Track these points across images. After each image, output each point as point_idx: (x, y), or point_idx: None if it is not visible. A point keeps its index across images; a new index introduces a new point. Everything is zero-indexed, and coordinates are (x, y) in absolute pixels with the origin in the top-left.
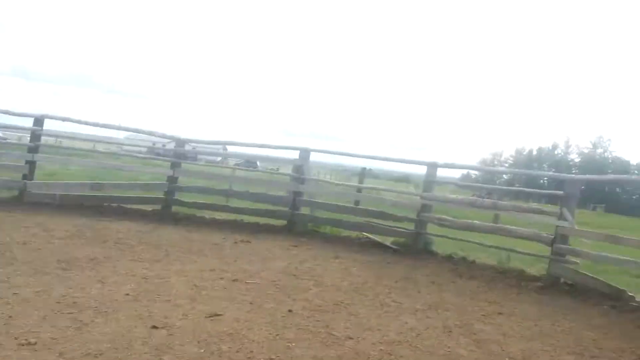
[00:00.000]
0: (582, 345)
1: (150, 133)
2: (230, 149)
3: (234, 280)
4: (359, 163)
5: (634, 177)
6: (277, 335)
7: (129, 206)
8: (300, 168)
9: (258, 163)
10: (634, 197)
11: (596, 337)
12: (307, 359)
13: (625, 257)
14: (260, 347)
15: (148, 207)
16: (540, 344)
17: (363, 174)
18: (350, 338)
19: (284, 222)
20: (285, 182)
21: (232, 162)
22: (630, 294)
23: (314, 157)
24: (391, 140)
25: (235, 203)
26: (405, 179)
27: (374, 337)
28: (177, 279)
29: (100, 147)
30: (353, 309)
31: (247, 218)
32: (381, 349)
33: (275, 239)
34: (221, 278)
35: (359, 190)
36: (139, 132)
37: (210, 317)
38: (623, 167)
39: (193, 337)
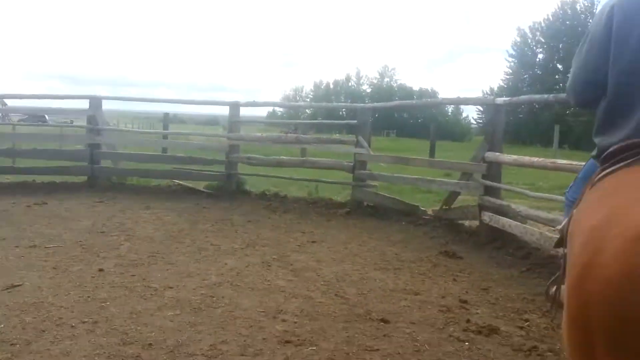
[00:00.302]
0: (386, 260)
1: None
2: (10, 103)
3: (31, 247)
4: (161, 109)
5: (414, 101)
6: (89, 297)
7: None
8: (93, 118)
9: (47, 117)
10: (419, 120)
11: (397, 251)
12: (125, 315)
13: (415, 176)
14: (70, 312)
15: None
16: (351, 264)
17: (167, 119)
18: (170, 287)
19: (84, 178)
20: (80, 135)
21: (15, 118)
22: (422, 208)
23: (109, 106)
24: (193, 82)
25: (23, 163)
26: (214, 121)
27: (194, 283)
28: None
29: None
30: (170, 258)
31: (40, 178)
32: (202, 293)
33: (76, 197)
34: (16, 246)
35: (165, 136)
36: None
37: (6, 289)
38: (407, 94)
39: None
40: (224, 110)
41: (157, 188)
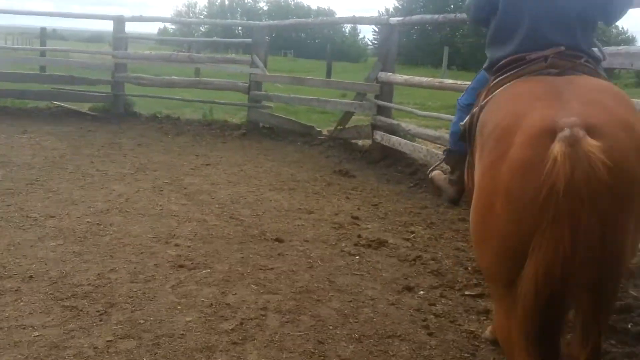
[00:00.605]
0: (281, 181)
1: None
2: None
3: None
4: (37, 23)
5: (310, 20)
6: None
7: None
8: None
9: None
10: (316, 41)
11: (293, 172)
12: (1, 247)
13: (309, 97)
14: None
15: None
16: (246, 186)
17: (45, 35)
18: (52, 217)
19: None
20: None
21: None
22: (317, 129)
23: None
24: None
25: None
26: (98, 38)
27: (78, 211)
28: None
29: None
30: (51, 186)
31: None
32: (88, 221)
33: None
34: None
35: (43, 53)
36: None
37: None
38: (305, 12)
39: None
40: (109, 26)
41: (35, 110)
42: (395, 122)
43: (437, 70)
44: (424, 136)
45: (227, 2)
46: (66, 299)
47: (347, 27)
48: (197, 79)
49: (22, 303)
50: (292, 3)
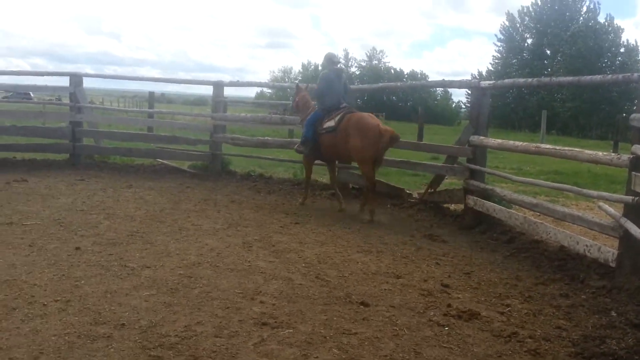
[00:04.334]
0: (369, 243)
1: None
2: None
3: (7, 224)
4: (147, 88)
5: (399, 83)
6: (63, 275)
7: None
8: (74, 96)
9: (32, 94)
10: (408, 104)
11: (381, 234)
12: (99, 294)
13: (400, 159)
14: (43, 290)
15: None
16: (334, 246)
17: (152, 98)
18: (147, 267)
19: (66, 156)
20: (63, 113)
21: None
22: (408, 191)
23: (94, 84)
24: (181, 62)
25: (3, 140)
26: (202, 101)
27: (172, 262)
28: None
29: None
30: (149, 238)
31: (20, 155)
32: (180, 274)
33: (57, 175)
34: None
35: (150, 115)
36: None
37: None
38: (397, 76)
39: None
40: (206, 89)
41: (140, 167)
42: (489, 187)
43: (535, 134)
44: (520, 203)
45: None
46: (153, 348)
47: (440, 90)
48: (289, 139)
49: (112, 349)
50: (384, 67)
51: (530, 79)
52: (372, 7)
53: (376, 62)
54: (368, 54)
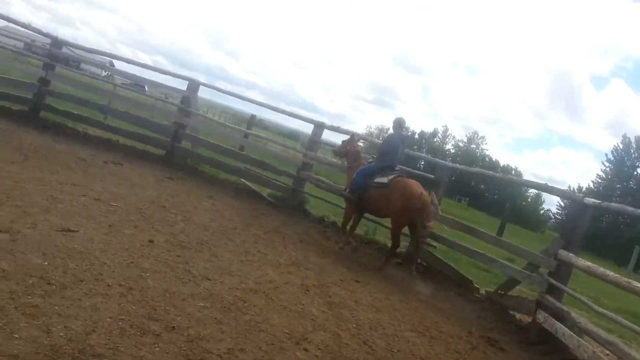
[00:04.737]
0: (424, 325)
1: (24, 26)
2: (118, 65)
3: (96, 200)
4: (250, 109)
5: (499, 174)
6: (132, 262)
7: None
8: (187, 100)
9: (146, 88)
10: (495, 196)
11: (438, 320)
12: (159, 291)
13: (476, 249)
14: (111, 271)
15: (14, 106)
16: (388, 317)
17: (252, 121)
18: (208, 279)
19: (163, 152)
20: (170, 112)
21: (118, 80)
22: (476, 285)
23: (202, 94)
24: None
25: (113, 122)
26: (294, 136)
27: (231, 282)
28: (33, 186)
29: None
30: (217, 251)
31: (123, 140)
32: (236, 295)
33: (150, 167)
34: (83, 195)
35: (246, 135)
36: (14, 23)
37: (62, 231)
38: (491, 165)
39: (38, 248)
40: (308, 128)
41: (224, 181)
42: (565, 308)
43: (620, 268)
44: (594, 335)
45: (417, 136)
46: None
47: (531, 193)
48: None
49: (157, 349)
50: (479, 153)
51: (639, 210)
52: (486, 93)
53: (474, 146)
54: (468, 136)
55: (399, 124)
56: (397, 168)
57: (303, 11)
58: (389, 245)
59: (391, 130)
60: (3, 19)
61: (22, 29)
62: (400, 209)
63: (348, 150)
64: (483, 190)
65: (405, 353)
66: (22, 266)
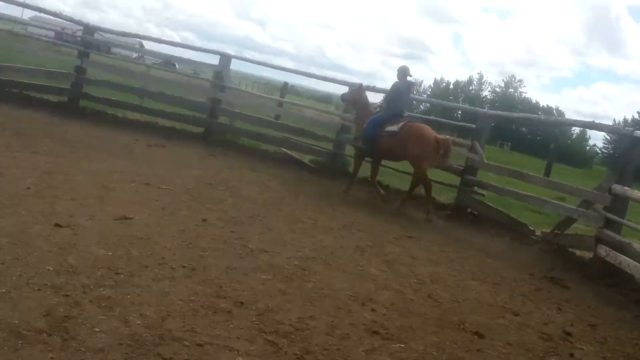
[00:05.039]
0: (485, 272)
1: (55, 15)
2: (147, 46)
3: (146, 184)
4: (282, 77)
5: (541, 117)
6: (190, 243)
7: (32, 94)
8: (220, 75)
9: (177, 65)
10: (538, 138)
11: (498, 266)
12: (221, 268)
13: (527, 193)
14: (173, 254)
15: (53, 98)
16: (447, 268)
17: (285, 89)
18: (265, 251)
19: (202, 129)
20: (204, 88)
21: (149, 61)
22: (530, 228)
23: (234, 66)
24: (314, 57)
25: (149, 104)
26: (327, 99)
27: (288, 252)
28: (83, 177)
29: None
30: (269, 223)
31: (162, 121)
32: (295, 264)
33: (191, 146)
34: (132, 181)
35: (280, 104)
36: (44, 13)
37: (119, 219)
38: (531, 108)
39: (100, 239)
40: (340, 90)
41: (265, 152)
42: (625, 240)
43: None
44: None
45: (451, 86)
46: (269, 333)
47: (575, 130)
48: None
49: (231, 326)
50: (518, 97)
51: None
52: (520, 35)
53: (512, 90)
54: (505, 81)
55: (403, 72)
56: (405, 114)
57: None
58: (436, 198)
59: (396, 79)
60: (34, 9)
61: (53, 18)
62: (418, 156)
63: (356, 100)
64: (525, 133)
65: (471, 302)
66: (88, 259)
